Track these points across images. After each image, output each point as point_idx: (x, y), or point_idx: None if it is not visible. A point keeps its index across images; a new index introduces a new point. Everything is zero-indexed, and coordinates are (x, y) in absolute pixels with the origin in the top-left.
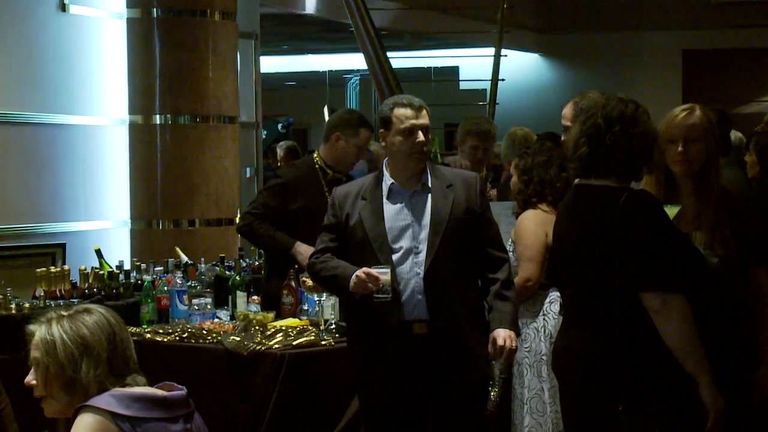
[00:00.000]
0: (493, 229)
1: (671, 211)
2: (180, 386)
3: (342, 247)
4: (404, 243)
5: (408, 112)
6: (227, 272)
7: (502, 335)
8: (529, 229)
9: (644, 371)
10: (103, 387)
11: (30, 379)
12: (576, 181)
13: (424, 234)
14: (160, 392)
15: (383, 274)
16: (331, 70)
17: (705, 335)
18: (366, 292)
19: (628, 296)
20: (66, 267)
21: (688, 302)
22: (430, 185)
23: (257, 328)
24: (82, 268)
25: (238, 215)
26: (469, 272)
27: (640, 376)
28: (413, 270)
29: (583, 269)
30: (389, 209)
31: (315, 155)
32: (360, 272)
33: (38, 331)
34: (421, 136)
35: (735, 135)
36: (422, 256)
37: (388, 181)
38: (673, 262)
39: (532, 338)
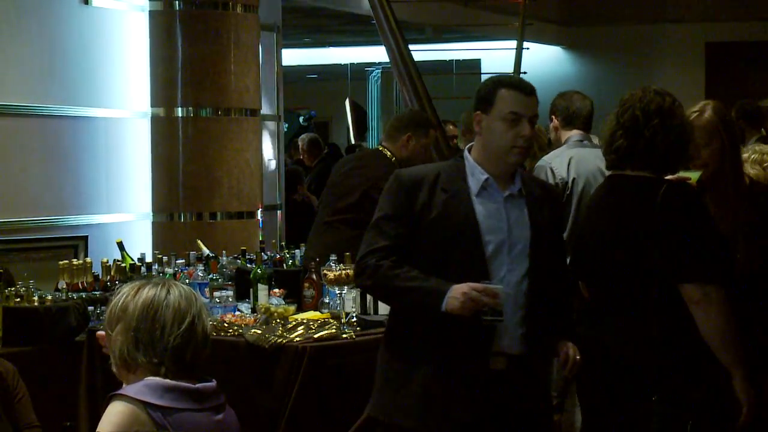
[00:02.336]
0: (564, 249)
1: (694, 175)
2: (209, 378)
3: (408, 246)
4: (494, 255)
5: (516, 95)
6: (248, 265)
7: (570, 345)
8: None
9: (679, 362)
10: (122, 353)
11: None
12: (609, 172)
13: (521, 249)
14: (191, 384)
15: (498, 290)
16: (353, 63)
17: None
18: (470, 313)
19: (666, 287)
20: (88, 259)
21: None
22: (524, 191)
23: (278, 321)
24: (104, 260)
25: (259, 208)
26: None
27: (675, 368)
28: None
29: (617, 259)
30: (481, 209)
31: (387, 153)
32: (466, 287)
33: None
34: (527, 128)
35: None
36: (517, 274)
37: (480, 174)
38: (714, 253)
39: None
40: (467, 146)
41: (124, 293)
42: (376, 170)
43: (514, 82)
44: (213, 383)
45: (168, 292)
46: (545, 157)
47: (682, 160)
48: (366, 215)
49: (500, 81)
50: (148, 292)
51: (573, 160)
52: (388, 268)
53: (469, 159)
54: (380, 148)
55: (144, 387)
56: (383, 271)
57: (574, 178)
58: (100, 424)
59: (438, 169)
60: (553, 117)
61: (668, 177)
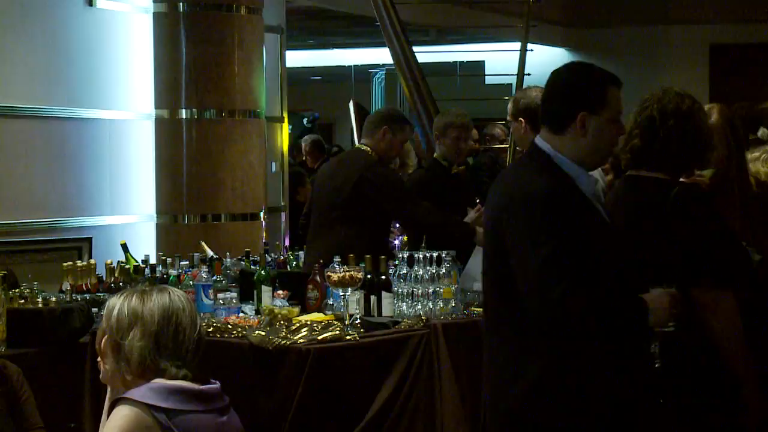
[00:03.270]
0: None
1: (707, 173)
2: (213, 380)
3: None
4: None
5: (619, 93)
6: (252, 267)
7: None
8: None
9: (686, 366)
10: (144, 359)
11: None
12: (627, 172)
13: None
14: (196, 385)
15: None
16: (357, 65)
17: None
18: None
19: (678, 289)
20: (92, 261)
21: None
22: None
23: (282, 322)
24: (108, 262)
25: (263, 210)
26: None
27: (682, 371)
28: None
29: (630, 260)
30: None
31: (365, 148)
32: (668, 297)
33: (111, 299)
34: (623, 126)
35: (763, 131)
36: None
37: (586, 177)
38: (725, 258)
39: None
40: (542, 146)
41: (125, 301)
42: (358, 164)
43: (617, 79)
44: (217, 385)
45: (178, 297)
46: None
47: (698, 163)
48: (360, 211)
49: (606, 78)
50: (160, 298)
51: None
52: (597, 300)
53: (564, 160)
54: (358, 146)
55: (148, 390)
56: (594, 305)
57: None
58: (106, 428)
59: (548, 176)
60: (522, 119)
61: (682, 179)
